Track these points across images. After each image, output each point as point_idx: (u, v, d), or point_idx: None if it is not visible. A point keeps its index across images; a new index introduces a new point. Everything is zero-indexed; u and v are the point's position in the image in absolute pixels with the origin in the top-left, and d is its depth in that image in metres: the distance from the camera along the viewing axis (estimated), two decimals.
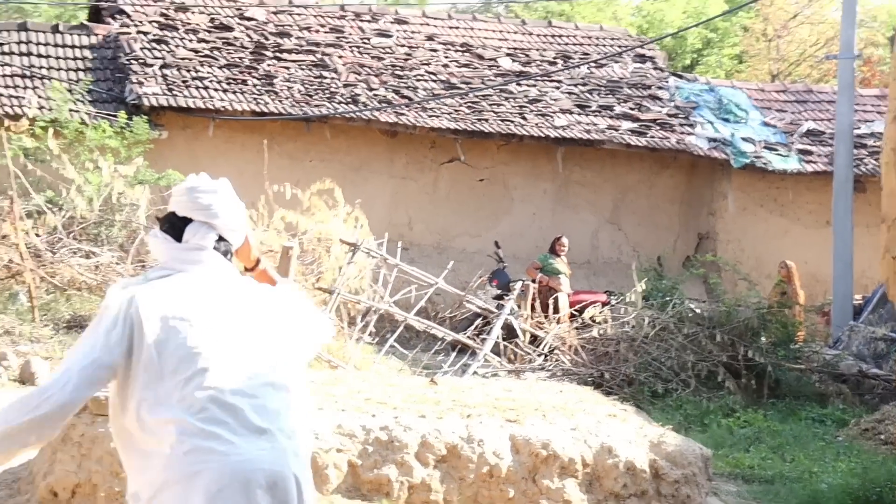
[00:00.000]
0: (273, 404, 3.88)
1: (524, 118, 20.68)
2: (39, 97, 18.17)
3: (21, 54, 19.46)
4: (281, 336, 4.07)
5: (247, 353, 3.93)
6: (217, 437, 3.75)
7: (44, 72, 19.16)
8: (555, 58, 22.85)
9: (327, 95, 20.02)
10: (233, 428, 3.78)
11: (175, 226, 4.17)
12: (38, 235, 15.35)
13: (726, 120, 21.97)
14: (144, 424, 3.82)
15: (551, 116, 20.94)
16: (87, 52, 19.93)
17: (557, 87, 22.06)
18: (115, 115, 17.62)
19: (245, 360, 3.91)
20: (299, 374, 4.09)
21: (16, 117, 17.03)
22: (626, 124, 21.17)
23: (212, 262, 4.11)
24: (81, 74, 19.19)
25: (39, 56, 19.55)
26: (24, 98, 18.11)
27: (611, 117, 21.36)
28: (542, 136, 20.29)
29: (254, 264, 4.34)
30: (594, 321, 14.84)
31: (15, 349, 12.70)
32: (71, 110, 17.39)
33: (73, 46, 19.92)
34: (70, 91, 17.93)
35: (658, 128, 21.25)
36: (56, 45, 19.84)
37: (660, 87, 22.65)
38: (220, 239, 4.17)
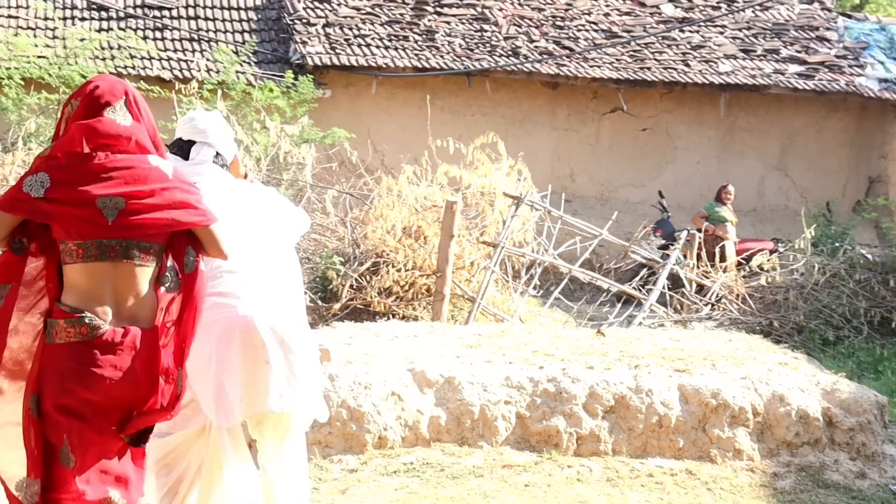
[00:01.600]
0: (269, 274, 5.21)
1: (687, 65, 20.39)
2: (207, 60, 18.55)
3: (188, 17, 19.87)
4: (272, 223, 5.37)
5: (249, 236, 5.16)
6: (227, 296, 5.07)
7: (210, 35, 19.55)
8: (718, 2, 22.43)
9: (488, 49, 20.03)
10: (239, 291, 5.09)
11: (182, 148, 5.41)
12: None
13: None
14: None
15: (715, 62, 20.60)
16: (251, 14, 20.25)
17: (721, 33, 21.68)
18: (280, 76, 17.89)
19: (248, 242, 5.12)
20: (288, 251, 5.41)
21: (185, 80, 17.42)
22: (793, 67, 20.72)
23: (213, 172, 5.35)
24: (247, 36, 19.52)
25: (206, 19, 19.92)
26: (192, 61, 18.51)
27: (777, 61, 20.92)
28: (706, 82, 19.97)
29: (243, 177, 5.56)
30: (762, 269, 14.63)
31: None
32: (237, 72, 17.71)
33: (238, 8, 20.25)
34: (236, 53, 18.26)
35: (826, 70, 20.75)
36: (222, 8, 20.18)
37: (828, 28, 22.09)
38: (217, 155, 5.42)
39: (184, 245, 4.63)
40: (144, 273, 4.52)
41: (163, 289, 4.58)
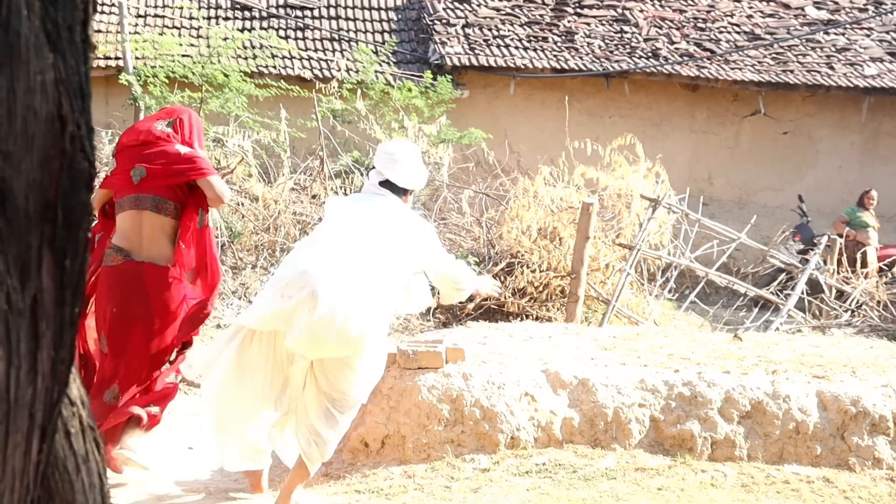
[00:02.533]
0: (349, 276, 6.26)
1: (831, 68, 20.04)
2: (347, 60, 18.76)
3: (329, 17, 20.12)
4: (387, 249, 6.41)
5: (354, 244, 6.38)
6: (305, 261, 6.32)
7: (351, 34, 19.76)
8: (865, 4, 22.01)
9: (627, 50, 19.92)
10: (319, 266, 6.24)
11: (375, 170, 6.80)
12: (346, 195, 15.89)
13: None
14: None
15: (860, 66, 20.21)
16: (391, 14, 20.43)
17: (868, 35, 21.27)
18: (419, 76, 18.00)
19: (349, 246, 6.37)
20: (388, 279, 6.44)
21: (325, 80, 17.63)
22: None
23: (377, 193, 6.70)
24: (387, 36, 19.69)
25: (347, 19, 20.15)
26: (332, 61, 18.73)
27: None
28: (851, 86, 19.61)
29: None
30: None
31: None
32: (377, 72, 17.85)
33: (378, 9, 20.45)
34: (376, 53, 18.42)
35: None
36: (362, 8, 20.41)
37: None
38: (387, 182, 6.69)
39: (196, 208, 7.05)
40: (162, 223, 6.98)
41: (181, 244, 7.00)
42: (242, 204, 14.64)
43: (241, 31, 18.81)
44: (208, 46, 17.53)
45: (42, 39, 1.97)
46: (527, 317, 12.64)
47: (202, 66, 16.59)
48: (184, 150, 7.04)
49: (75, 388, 2.16)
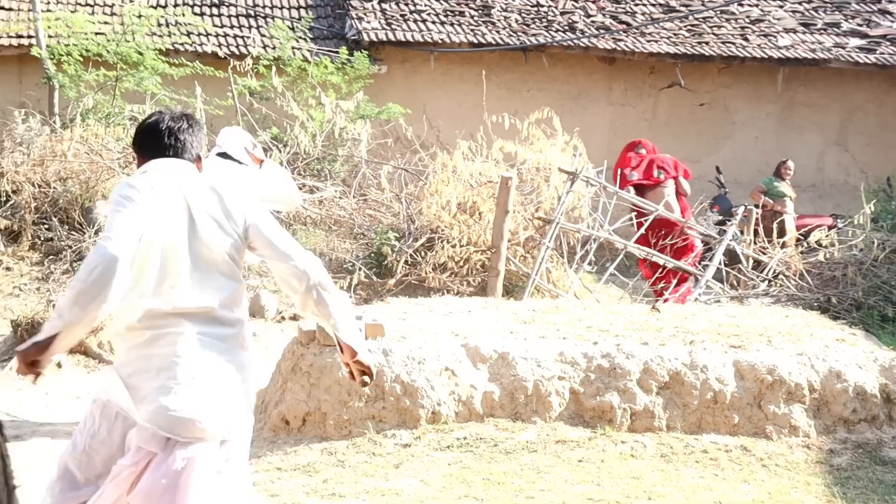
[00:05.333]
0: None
1: (746, 39, 20.20)
2: (263, 36, 18.58)
3: None
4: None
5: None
6: None
7: (266, 11, 19.58)
8: None
9: (544, 24, 19.93)
10: None
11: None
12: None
13: None
14: None
15: (774, 37, 20.40)
16: None
17: (781, 6, 21.46)
18: (336, 52, 17.89)
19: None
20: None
21: (240, 57, 17.47)
22: (854, 41, 20.47)
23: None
24: (303, 12, 19.54)
25: None
26: (248, 37, 18.55)
27: (837, 35, 20.69)
28: (765, 57, 19.78)
29: (259, 162, 8.75)
30: (820, 245, 14.48)
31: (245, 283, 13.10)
32: (293, 48, 17.73)
33: None
34: (292, 29, 18.28)
35: (888, 44, 20.48)
36: None
37: (890, 1, 21.79)
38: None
39: None
40: None
41: None
42: None
43: (155, 7, 18.58)
44: (122, 24, 17.30)
45: None
46: (448, 292, 12.64)
47: (116, 44, 16.38)
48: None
49: None
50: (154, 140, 4.86)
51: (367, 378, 4.84)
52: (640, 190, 14.14)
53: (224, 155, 8.52)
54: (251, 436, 4.79)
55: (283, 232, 4.84)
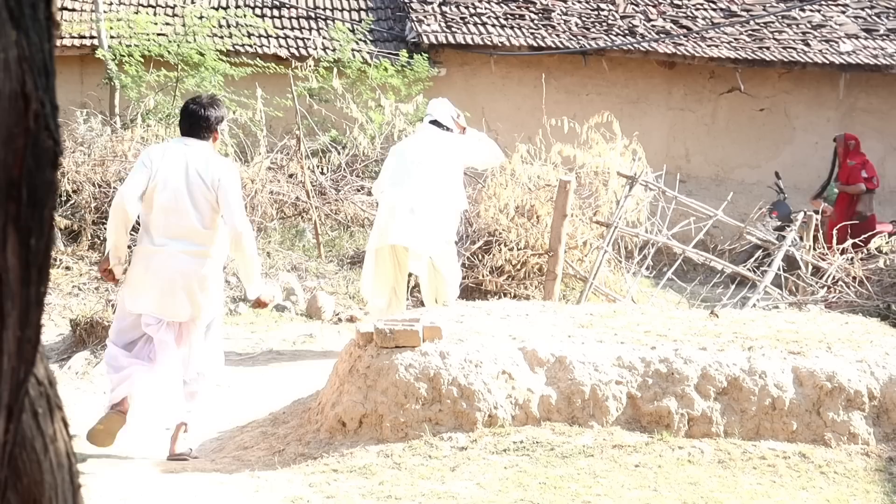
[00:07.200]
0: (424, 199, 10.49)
1: (807, 45, 20.06)
2: (323, 38, 18.67)
3: None
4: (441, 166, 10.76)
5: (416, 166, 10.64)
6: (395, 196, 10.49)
7: (327, 13, 19.68)
8: None
9: (605, 28, 19.89)
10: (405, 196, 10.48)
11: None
12: (322, 173, 15.86)
13: None
14: None
15: (836, 42, 20.24)
16: None
17: (843, 12, 21.29)
18: (395, 54, 17.94)
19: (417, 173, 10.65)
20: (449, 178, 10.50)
21: (301, 58, 17.56)
22: None
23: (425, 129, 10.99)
24: (363, 14, 19.62)
25: None
26: (308, 39, 18.64)
27: None
28: (826, 62, 19.62)
29: (462, 130, 11.00)
30: (880, 252, 14.36)
31: (302, 284, 13.18)
32: (353, 50, 17.80)
33: None
34: (352, 31, 18.35)
35: None
36: None
37: None
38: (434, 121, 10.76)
39: None
40: None
41: None
42: None
43: (217, 9, 18.71)
44: (184, 25, 17.46)
45: (5, 17, 1.95)
46: (504, 295, 12.64)
47: (178, 45, 16.53)
48: None
49: (42, 368, 2.14)
50: (183, 122, 7.89)
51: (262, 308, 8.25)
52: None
53: (436, 123, 10.78)
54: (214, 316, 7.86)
55: (239, 203, 7.59)
